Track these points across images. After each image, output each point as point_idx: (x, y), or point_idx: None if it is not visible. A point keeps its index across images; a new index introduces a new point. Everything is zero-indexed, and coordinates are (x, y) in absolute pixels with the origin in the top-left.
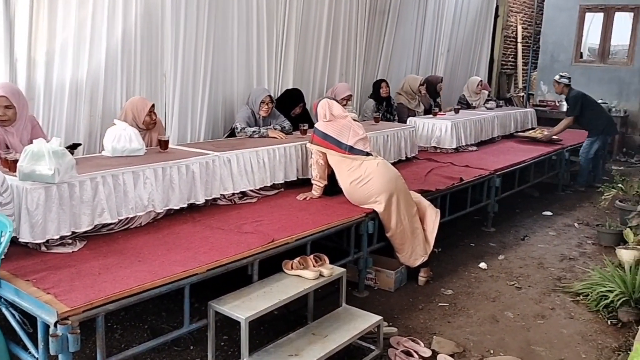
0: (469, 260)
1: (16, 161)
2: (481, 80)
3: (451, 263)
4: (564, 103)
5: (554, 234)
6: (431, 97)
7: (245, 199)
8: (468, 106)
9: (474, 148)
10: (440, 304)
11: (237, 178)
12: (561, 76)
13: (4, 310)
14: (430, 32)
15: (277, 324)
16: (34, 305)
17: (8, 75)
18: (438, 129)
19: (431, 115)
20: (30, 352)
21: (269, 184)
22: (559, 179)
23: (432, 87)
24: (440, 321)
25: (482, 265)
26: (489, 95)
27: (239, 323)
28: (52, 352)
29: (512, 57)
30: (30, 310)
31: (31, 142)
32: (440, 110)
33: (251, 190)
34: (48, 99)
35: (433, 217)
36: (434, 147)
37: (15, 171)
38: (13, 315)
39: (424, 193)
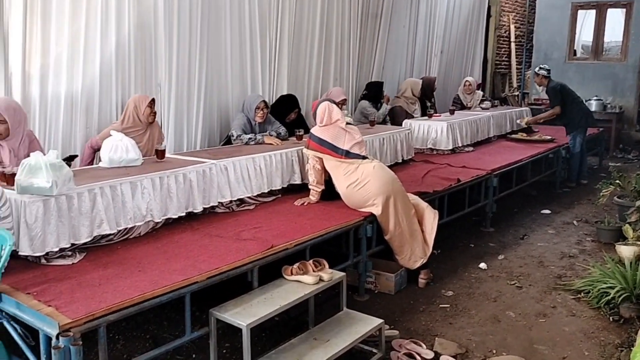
0: (468, 261)
1: (14, 175)
2: (466, 80)
3: (451, 264)
4: None
5: (553, 232)
6: (426, 98)
7: (243, 206)
8: (462, 106)
9: (471, 149)
10: (441, 305)
11: (235, 185)
12: (540, 67)
13: (5, 324)
14: (423, 33)
15: (278, 330)
16: (36, 318)
17: (3, 89)
18: (434, 130)
19: (427, 117)
20: None
21: (266, 191)
22: (557, 177)
23: (427, 87)
24: (441, 323)
25: (482, 265)
26: (483, 95)
27: (240, 330)
28: None
29: (505, 57)
30: (32, 323)
31: (29, 157)
32: (435, 111)
33: (249, 197)
34: (44, 112)
35: (431, 218)
36: (430, 148)
37: (13, 185)
38: (15, 328)
39: (422, 195)
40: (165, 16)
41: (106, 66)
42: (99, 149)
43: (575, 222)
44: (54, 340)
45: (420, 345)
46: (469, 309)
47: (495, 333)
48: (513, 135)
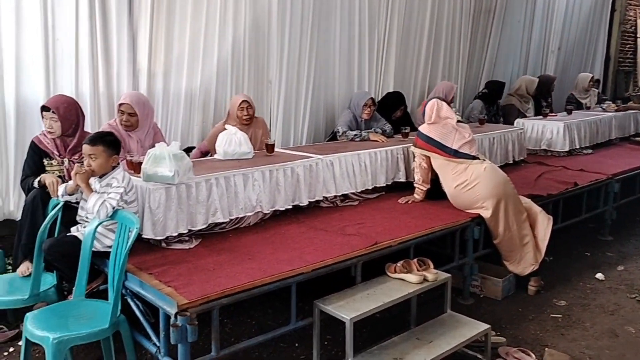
0: (583, 270)
1: (140, 163)
2: (593, 76)
3: (564, 273)
4: None
5: None
6: (542, 97)
7: (347, 201)
8: (578, 106)
9: (589, 151)
10: (552, 315)
11: (340, 181)
12: None
13: (129, 301)
14: (539, 29)
15: (378, 327)
16: (157, 297)
17: (132, 85)
18: (549, 130)
19: (541, 117)
20: (152, 341)
21: (370, 187)
22: None
23: (543, 87)
24: (552, 333)
25: (599, 275)
26: (602, 94)
27: (341, 323)
28: (172, 342)
29: (630, 54)
30: (153, 301)
31: (153, 147)
32: (550, 111)
33: (353, 193)
34: (166, 107)
35: (545, 223)
36: (544, 150)
37: (139, 172)
38: (137, 306)
39: (535, 198)
40: (278, 16)
41: (223, 64)
42: (207, 153)
43: None
44: (172, 319)
45: (529, 355)
46: (583, 320)
47: (612, 348)
48: (637, 138)
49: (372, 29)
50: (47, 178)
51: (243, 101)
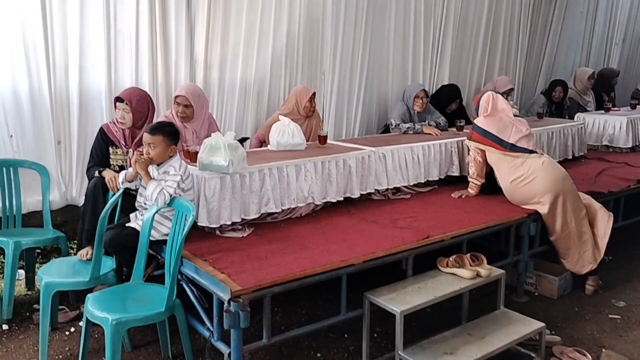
0: None
1: (196, 153)
2: None
3: (624, 273)
4: None
5: None
6: (604, 91)
7: (398, 194)
8: None
9: None
10: (610, 315)
11: (392, 174)
12: None
13: (184, 286)
14: (603, 20)
15: (428, 322)
16: (211, 283)
17: (189, 76)
18: (611, 126)
19: (603, 111)
20: (206, 326)
21: (422, 181)
22: None
23: (605, 80)
24: (610, 334)
25: None
26: None
27: (391, 316)
28: (225, 327)
29: None
30: (207, 287)
31: (208, 137)
32: (613, 106)
33: (405, 186)
34: (221, 98)
35: (605, 221)
36: (606, 145)
37: (195, 162)
38: (192, 291)
39: (595, 195)
40: (332, 7)
41: (277, 55)
42: (264, 141)
43: None
44: (225, 305)
45: (585, 355)
46: None
47: None
48: None
49: (428, 20)
50: (107, 174)
51: (314, 93)
